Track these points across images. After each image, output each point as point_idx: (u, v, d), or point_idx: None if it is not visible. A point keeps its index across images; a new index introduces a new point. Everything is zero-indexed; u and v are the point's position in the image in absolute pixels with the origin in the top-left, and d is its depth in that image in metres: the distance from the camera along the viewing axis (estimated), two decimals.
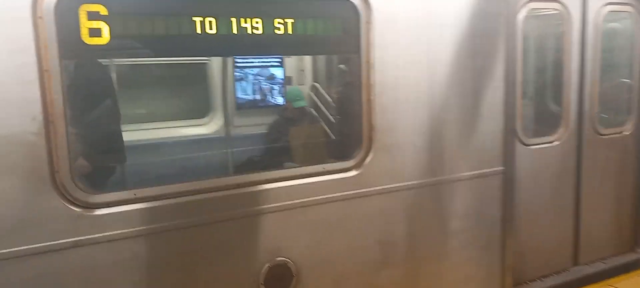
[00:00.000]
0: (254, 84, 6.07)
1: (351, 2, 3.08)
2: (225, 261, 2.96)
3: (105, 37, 2.49)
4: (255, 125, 5.68)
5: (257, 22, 2.86)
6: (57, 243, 2.46)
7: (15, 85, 2.29)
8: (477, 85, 3.63)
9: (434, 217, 3.64)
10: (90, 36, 2.45)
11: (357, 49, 3.17)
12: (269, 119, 5.58)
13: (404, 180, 3.46)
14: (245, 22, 2.83)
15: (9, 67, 2.27)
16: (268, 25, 2.89)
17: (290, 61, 6.10)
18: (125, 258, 2.65)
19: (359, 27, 3.13)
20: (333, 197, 3.24)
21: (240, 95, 5.90)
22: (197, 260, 2.86)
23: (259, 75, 6.10)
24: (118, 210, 2.61)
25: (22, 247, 2.38)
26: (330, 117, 5.72)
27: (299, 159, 5.03)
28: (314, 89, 6.17)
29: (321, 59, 6.09)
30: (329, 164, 3.30)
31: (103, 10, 2.47)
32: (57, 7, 2.35)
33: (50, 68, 2.35)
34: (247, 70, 5.98)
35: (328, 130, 5.54)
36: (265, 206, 3.03)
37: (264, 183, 3.03)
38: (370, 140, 3.29)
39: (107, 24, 2.49)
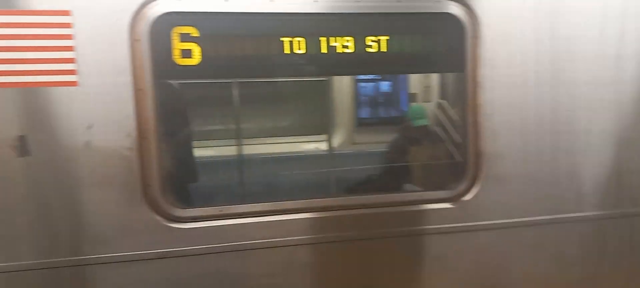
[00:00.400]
0: (376, 100, 5.94)
1: (454, 16, 2.80)
2: (310, 286, 2.87)
3: (196, 57, 2.58)
4: (374, 143, 5.53)
5: (347, 41, 2.73)
6: (146, 253, 2.59)
7: (114, 104, 2.47)
8: (616, 108, 3.05)
9: (561, 261, 3.12)
10: (182, 57, 2.57)
11: (461, 66, 2.86)
12: (389, 137, 5.39)
13: (520, 216, 3.03)
14: (335, 41, 2.72)
15: (109, 87, 2.46)
16: (359, 43, 2.75)
17: (415, 77, 5.86)
18: (209, 273, 2.71)
19: (464, 43, 2.83)
20: (434, 229, 2.96)
21: (360, 112, 5.82)
22: (281, 282, 2.81)
23: (382, 92, 5.95)
24: (204, 225, 2.68)
25: (116, 254, 2.56)
26: (457, 138, 5.33)
27: (417, 182, 4.76)
28: (439, 106, 5.82)
29: (449, 74, 5.73)
30: (432, 192, 3.04)
31: (194, 32, 2.57)
32: (152, 29, 2.49)
33: (145, 87, 2.50)
34: (369, 86, 5.87)
35: (453, 152, 5.15)
36: (356, 232, 2.88)
37: (356, 208, 2.89)
38: (477, 168, 2.94)
39: (198, 46, 2.58)
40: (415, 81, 5.77)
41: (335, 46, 2.72)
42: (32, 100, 2.38)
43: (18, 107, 2.36)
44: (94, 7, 2.41)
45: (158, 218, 2.59)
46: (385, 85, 6.12)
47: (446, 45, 2.87)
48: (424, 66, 3.24)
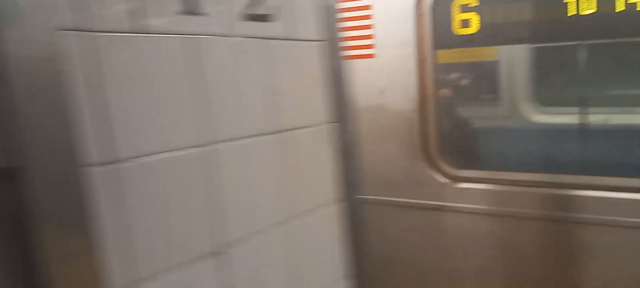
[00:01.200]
0: None
1: None
2: (560, 260, 2.68)
3: (474, 26, 2.69)
4: None
5: None
6: (422, 203, 2.96)
7: (401, 72, 2.89)
8: None
9: None
10: (461, 27, 2.72)
11: None
12: None
13: None
14: None
15: (398, 57, 2.88)
16: None
17: None
18: (480, 232, 2.85)
19: None
20: None
21: None
22: (534, 254, 2.73)
23: None
24: (475, 186, 2.82)
25: (398, 199, 3.02)
26: None
27: None
28: None
29: None
30: None
31: (474, 2, 2.67)
32: (435, 3, 2.75)
33: (426, 57, 2.80)
34: None
35: None
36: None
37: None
38: None
39: (477, 14, 2.68)
40: None
41: (635, 3, 2.31)
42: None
43: None
44: None
45: (433, 173, 2.90)
46: None
47: None
48: None
